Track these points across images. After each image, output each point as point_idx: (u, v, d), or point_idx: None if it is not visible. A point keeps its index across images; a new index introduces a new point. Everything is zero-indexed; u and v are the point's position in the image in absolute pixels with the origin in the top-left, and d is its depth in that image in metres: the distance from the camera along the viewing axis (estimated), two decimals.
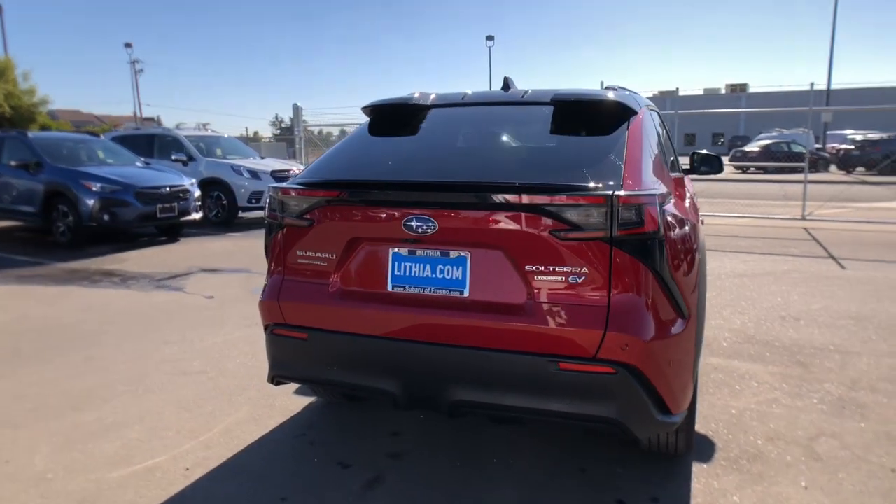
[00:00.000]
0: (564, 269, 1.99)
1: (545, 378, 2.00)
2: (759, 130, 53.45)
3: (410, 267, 2.16)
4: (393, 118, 2.73)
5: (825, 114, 26.82)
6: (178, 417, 2.92)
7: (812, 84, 11.41)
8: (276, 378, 2.41)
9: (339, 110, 27.29)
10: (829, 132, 30.79)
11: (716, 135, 57.38)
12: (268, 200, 2.43)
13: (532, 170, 2.29)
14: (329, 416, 2.95)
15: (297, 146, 12.60)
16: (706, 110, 13.53)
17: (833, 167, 25.41)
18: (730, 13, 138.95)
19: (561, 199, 1.95)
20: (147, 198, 8.12)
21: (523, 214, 2.00)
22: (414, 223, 2.10)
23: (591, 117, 2.44)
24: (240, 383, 3.31)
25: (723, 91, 58.96)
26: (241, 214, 10.43)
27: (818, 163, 25.11)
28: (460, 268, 2.10)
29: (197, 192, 8.92)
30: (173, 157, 10.47)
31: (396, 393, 2.19)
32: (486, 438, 2.73)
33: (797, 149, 26.01)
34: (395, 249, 2.17)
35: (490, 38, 49.56)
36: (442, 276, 2.12)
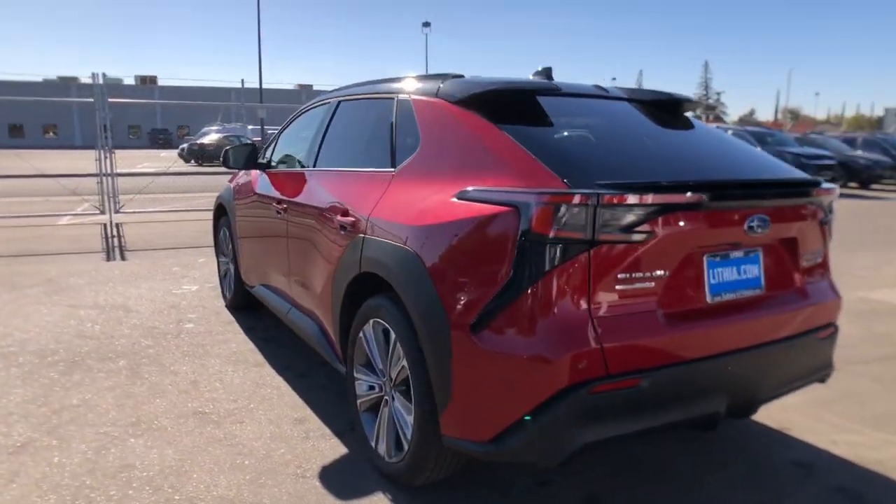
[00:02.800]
0: (816, 251, 2.39)
1: (812, 351, 2.36)
2: (176, 124, 56.12)
3: (722, 273, 2.12)
4: (526, 105, 2.37)
5: (260, 110, 31.39)
6: None
7: (242, 81, 15.15)
8: (582, 451, 1.89)
9: None
10: (267, 127, 35.49)
11: (132, 126, 56.68)
12: (554, 211, 1.84)
13: (764, 166, 2.45)
14: None
15: None
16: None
17: None
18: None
19: (826, 191, 2.35)
20: None
21: (812, 207, 2.32)
22: (755, 224, 2.09)
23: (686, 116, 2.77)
24: None
25: (132, 82, 58.36)
26: None
27: None
28: (756, 265, 2.21)
29: None
30: None
31: (720, 410, 2.09)
32: None
33: (246, 141, 29.70)
34: (710, 256, 2.09)
35: (426, 24, 48.48)
36: (745, 276, 2.18)
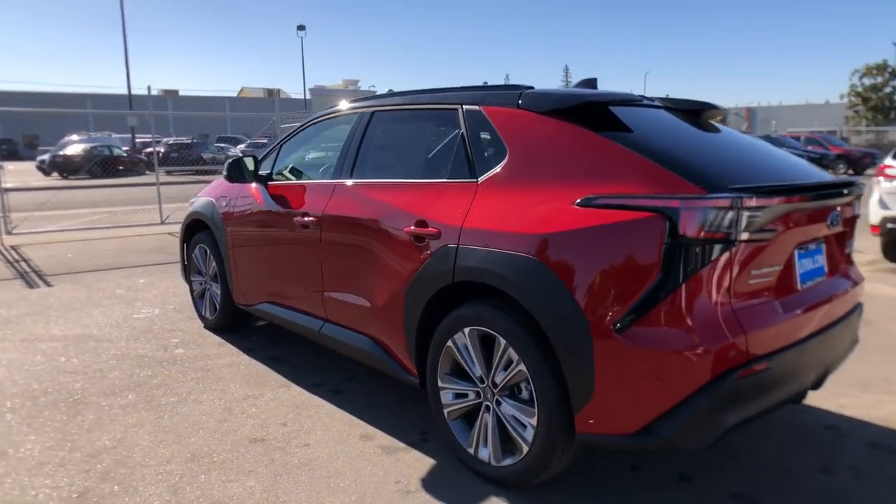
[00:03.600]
0: (852, 240, 2.82)
1: (854, 326, 2.73)
2: (21, 133, 50.56)
3: (805, 263, 2.41)
4: (613, 115, 2.49)
5: (131, 118, 29.21)
6: None
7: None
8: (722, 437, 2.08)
9: None
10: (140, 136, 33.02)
11: None
12: (702, 215, 2.00)
13: (808, 168, 2.75)
14: None
15: None
16: None
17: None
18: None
19: (861, 189, 2.70)
20: None
21: (855, 203, 2.68)
22: (832, 219, 2.45)
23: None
24: None
25: None
26: None
27: (139, 165, 27.40)
28: (821, 255, 2.55)
29: None
30: None
31: (809, 385, 2.41)
32: None
33: (118, 152, 27.47)
34: (799, 249, 2.35)
35: (301, 27, 48.28)
36: (816, 265, 2.50)
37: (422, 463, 2.75)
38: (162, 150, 28.31)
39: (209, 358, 4.10)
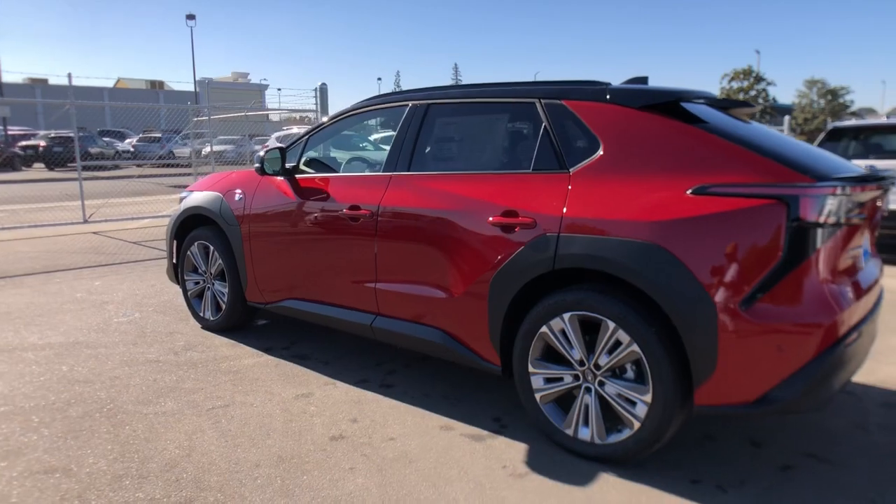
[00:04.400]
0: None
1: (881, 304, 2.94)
2: None
3: (865, 245, 2.77)
4: (698, 110, 2.72)
5: (3, 107, 26.39)
6: None
7: None
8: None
9: None
10: (9, 127, 29.81)
11: None
12: (820, 202, 2.24)
13: (842, 161, 2.88)
14: None
15: None
16: None
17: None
18: None
19: None
20: None
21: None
22: (879, 205, 2.74)
23: None
24: None
25: None
26: None
27: (13, 160, 24.85)
28: (866, 239, 2.79)
29: None
30: None
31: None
32: None
33: None
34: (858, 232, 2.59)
35: (191, 17, 46.65)
36: (867, 247, 2.80)
37: (515, 447, 2.82)
38: (43, 143, 26.04)
39: (230, 359, 3.90)
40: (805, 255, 2.26)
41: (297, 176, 3.78)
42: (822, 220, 2.25)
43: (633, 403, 2.55)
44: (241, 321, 4.38)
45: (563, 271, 2.69)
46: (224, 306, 4.30)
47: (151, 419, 3.06)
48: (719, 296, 2.31)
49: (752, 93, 47.83)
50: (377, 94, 3.82)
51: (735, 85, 48.94)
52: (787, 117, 17.80)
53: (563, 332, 2.70)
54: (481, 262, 2.90)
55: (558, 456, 2.73)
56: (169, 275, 4.78)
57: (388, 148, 3.55)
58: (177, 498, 2.39)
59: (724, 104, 3.16)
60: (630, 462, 2.63)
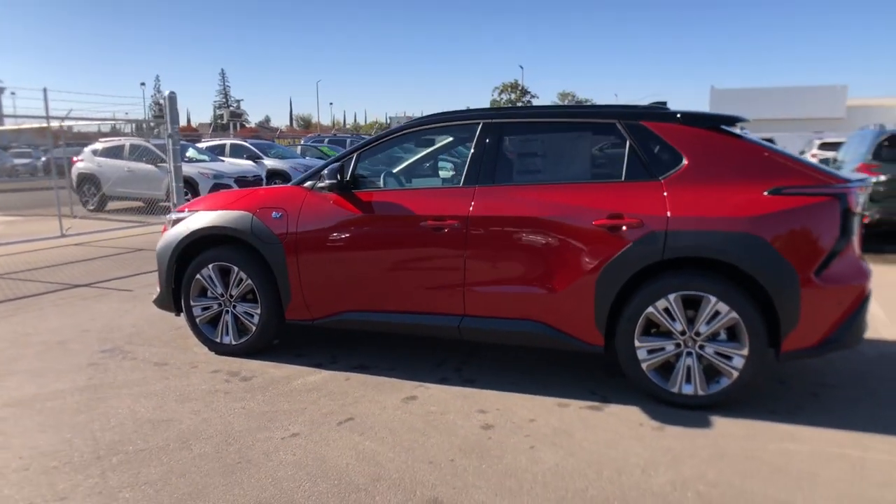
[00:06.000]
0: None
1: None
2: None
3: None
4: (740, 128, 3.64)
5: None
6: None
7: None
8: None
9: None
10: None
11: None
12: (858, 197, 3.21)
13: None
14: None
15: None
16: None
17: None
18: None
19: None
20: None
21: None
22: None
23: None
24: None
25: None
26: None
27: None
28: None
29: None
30: None
31: None
32: None
33: None
34: None
35: None
36: None
37: (631, 410, 3.37)
38: None
39: (291, 379, 3.84)
40: (850, 236, 3.20)
41: (363, 190, 3.88)
42: (857, 210, 3.21)
43: (730, 358, 3.28)
44: (269, 343, 4.27)
45: (666, 261, 3.32)
46: (255, 327, 4.16)
47: (291, 442, 3.03)
48: (801, 268, 3.14)
49: (520, 104, 53.58)
50: (437, 112, 4.09)
51: (504, 97, 54.34)
52: None
53: (667, 311, 3.34)
54: (586, 260, 3.41)
55: (671, 411, 3.35)
56: (161, 303, 4.42)
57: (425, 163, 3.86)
58: (429, 494, 2.54)
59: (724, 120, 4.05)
60: (726, 405, 3.36)
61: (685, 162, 3.39)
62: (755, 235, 3.18)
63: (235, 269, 4.14)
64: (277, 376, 3.90)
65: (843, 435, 3.08)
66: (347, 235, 3.88)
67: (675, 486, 2.63)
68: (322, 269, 3.96)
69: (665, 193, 3.35)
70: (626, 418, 3.29)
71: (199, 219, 4.23)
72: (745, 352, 3.25)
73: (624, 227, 3.35)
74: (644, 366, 3.42)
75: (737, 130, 3.63)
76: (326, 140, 19.13)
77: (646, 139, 3.49)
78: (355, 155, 4.01)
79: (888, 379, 3.81)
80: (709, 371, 3.36)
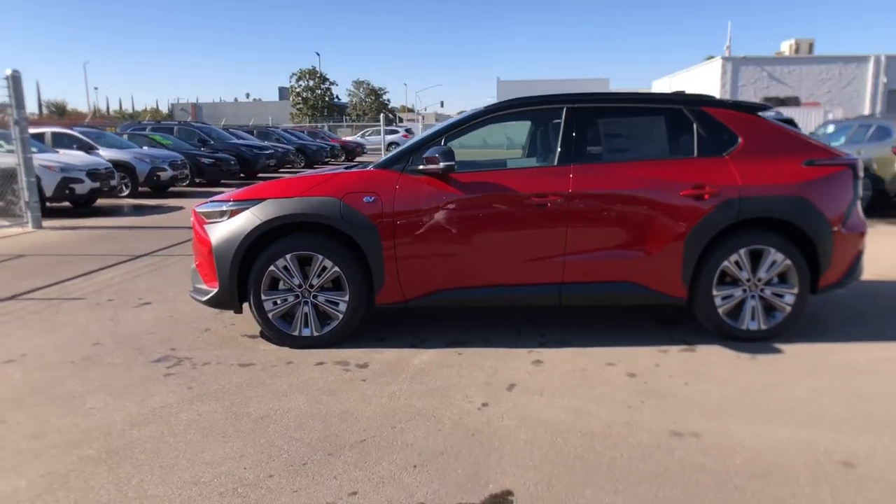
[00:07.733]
0: None
1: None
2: None
3: None
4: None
5: None
6: None
7: None
8: None
9: None
10: None
11: None
12: (861, 166, 4.20)
13: None
14: None
15: None
16: None
17: None
18: None
19: None
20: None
21: None
22: None
23: None
24: None
25: None
26: None
27: None
28: None
29: None
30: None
31: None
32: None
33: None
34: None
35: None
36: None
37: (716, 348, 4.07)
38: None
39: (408, 360, 3.86)
40: (858, 195, 4.24)
41: (459, 172, 3.99)
42: (861, 175, 4.25)
43: (782, 296, 4.13)
44: (352, 330, 4.16)
45: (738, 222, 4.04)
46: (341, 315, 4.04)
47: (495, 410, 3.16)
48: (833, 221, 4.09)
49: (319, 91, 52.71)
50: (514, 97, 4.30)
51: (303, 83, 53.02)
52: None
53: (737, 263, 4.08)
54: (677, 224, 4.00)
55: (745, 346, 4.10)
56: (219, 301, 4.05)
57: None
58: (669, 427, 2.91)
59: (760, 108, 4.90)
60: (780, 335, 4.22)
61: (741, 140, 4.15)
62: (804, 198, 4.04)
63: (319, 257, 3.97)
64: (389, 360, 3.88)
65: (874, 345, 4.12)
66: (447, 215, 3.99)
67: (819, 392, 3.35)
68: (419, 251, 4.01)
69: (732, 167, 4.07)
70: (722, 355, 3.97)
71: (271, 207, 3.96)
72: (796, 290, 4.12)
73: (706, 196, 4.00)
74: (720, 310, 4.14)
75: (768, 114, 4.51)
76: (149, 128, 17.17)
77: (709, 122, 4.18)
78: (443, 139, 4.11)
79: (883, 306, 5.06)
80: (767, 309, 4.18)
